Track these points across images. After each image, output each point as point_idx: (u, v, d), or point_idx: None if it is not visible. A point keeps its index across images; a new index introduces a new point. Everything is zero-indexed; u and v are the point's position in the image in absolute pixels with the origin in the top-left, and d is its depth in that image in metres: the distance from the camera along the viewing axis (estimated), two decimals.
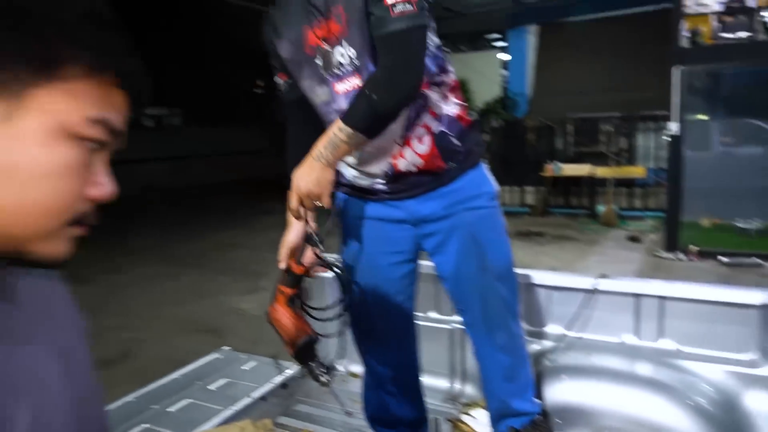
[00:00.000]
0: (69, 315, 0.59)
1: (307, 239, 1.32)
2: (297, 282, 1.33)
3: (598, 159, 8.26)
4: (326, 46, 1.28)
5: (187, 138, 15.07)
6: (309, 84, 1.35)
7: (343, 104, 1.30)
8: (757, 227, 5.24)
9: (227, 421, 1.78)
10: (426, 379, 2.02)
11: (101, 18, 0.48)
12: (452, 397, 1.96)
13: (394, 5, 1.16)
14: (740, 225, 5.30)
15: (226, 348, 2.44)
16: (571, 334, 1.81)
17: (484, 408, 1.77)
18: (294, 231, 1.37)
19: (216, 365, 2.23)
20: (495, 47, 12.67)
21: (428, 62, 1.29)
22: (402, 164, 1.36)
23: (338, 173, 1.44)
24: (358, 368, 2.19)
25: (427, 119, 1.34)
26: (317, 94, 1.35)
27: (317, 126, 1.35)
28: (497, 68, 12.25)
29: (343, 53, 1.27)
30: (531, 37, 11.37)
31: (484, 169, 1.48)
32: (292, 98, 1.41)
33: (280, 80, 1.41)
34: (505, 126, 9.70)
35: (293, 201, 1.25)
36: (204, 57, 15.00)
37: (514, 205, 8.64)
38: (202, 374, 2.15)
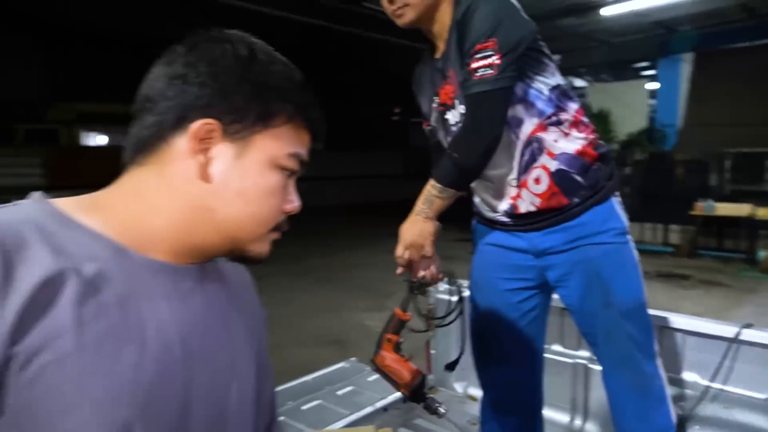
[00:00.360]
0: (255, 302, 0.76)
1: (410, 288, 1.44)
2: (401, 328, 1.45)
3: (760, 198, 7.40)
4: (447, 105, 1.42)
5: (325, 161, 16.12)
6: (441, 135, 1.50)
7: None
8: None
9: (352, 425, 1.92)
10: (546, 412, 2.02)
11: (297, 80, 0.66)
12: None
13: (476, 70, 1.25)
14: None
15: (353, 359, 2.61)
16: (706, 383, 1.70)
17: None
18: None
19: (344, 373, 2.41)
20: (642, 76, 11.99)
21: (541, 106, 1.36)
22: (521, 204, 1.43)
23: (472, 203, 1.56)
24: (477, 391, 2.23)
25: (544, 160, 1.38)
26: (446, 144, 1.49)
27: None
28: (644, 98, 11.56)
29: (454, 112, 1.40)
30: (684, 65, 10.59)
31: (615, 203, 1.45)
32: (434, 141, 1.56)
33: (425, 127, 1.58)
34: (649, 159, 9.09)
35: (399, 251, 1.39)
36: (344, 85, 15.99)
37: (656, 244, 8.03)
38: (332, 380, 2.33)
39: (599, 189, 1.41)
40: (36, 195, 0.59)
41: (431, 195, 1.34)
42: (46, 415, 0.49)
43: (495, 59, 1.23)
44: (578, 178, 1.39)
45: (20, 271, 0.50)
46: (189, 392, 0.60)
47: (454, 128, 1.42)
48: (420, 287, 1.45)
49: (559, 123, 1.39)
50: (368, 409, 2.05)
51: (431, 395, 1.44)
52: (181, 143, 0.60)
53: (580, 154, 1.39)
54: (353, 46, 12.51)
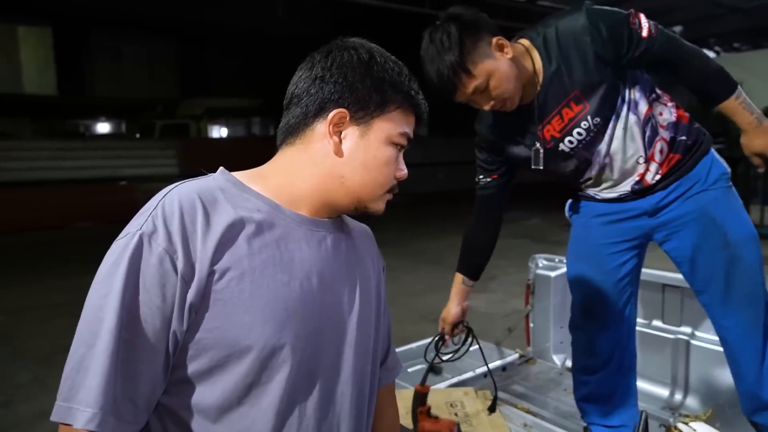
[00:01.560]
0: (375, 252, 0.98)
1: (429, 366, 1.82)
2: (426, 399, 1.74)
3: None
4: (557, 138, 1.53)
5: (432, 147, 16.24)
6: (560, 165, 1.60)
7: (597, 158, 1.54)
8: None
9: (455, 386, 2.09)
10: (645, 385, 2.06)
11: (406, 74, 0.85)
12: (671, 407, 1.95)
13: (650, 31, 1.41)
14: None
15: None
16: None
17: (704, 422, 1.75)
18: (454, 305, 1.89)
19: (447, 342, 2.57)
20: None
21: (645, 86, 1.52)
22: (648, 176, 1.55)
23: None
24: None
25: (660, 132, 1.53)
26: (562, 167, 1.60)
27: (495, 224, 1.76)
28: None
29: (571, 138, 1.51)
30: None
31: (713, 153, 1.59)
32: (488, 194, 1.73)
33: (487, 179, 1.71)
34: None
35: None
36: None
37: None
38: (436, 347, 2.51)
39: (700, 143, 1.57)
40: (221, 169, 0.85)
41: (744, 101, 1.46)
42: (233, 311, 0.74)
43: (645, 20, 1.42)
44: (685, 138, 1.55)
45: (214, 218, 0.76)
46: (322, 311, 0.82)
47: (578, 148, 1.52)
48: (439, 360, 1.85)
49: (658, 98, 1.55)
50: (469, 374, 2.20)
51: None
52: (321, 128, 0.82)
53: (678, 119, 1.56)
54: None
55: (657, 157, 1.53)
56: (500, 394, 2.10)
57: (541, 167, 1.57)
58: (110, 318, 0.69)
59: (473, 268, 1.83)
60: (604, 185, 1.61)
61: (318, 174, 0.83)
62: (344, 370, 0.84)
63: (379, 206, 0.87)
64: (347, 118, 0.81)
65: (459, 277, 1.85)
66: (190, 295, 0.71)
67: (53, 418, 0.70)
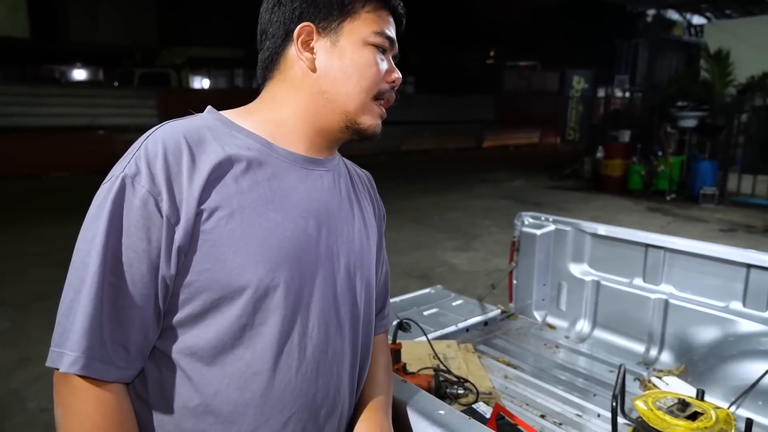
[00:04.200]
0: (375, 198, 0.97)
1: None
2: (399, 355, 1.72)
3: None
4: None
5: (417, 105, 16.08)
6: None
7: None
8: None
9: (437, 339, 2.12)
10: (623, 341, 2.12)
11: None
12: (646, 362, 2.00)
13: None
14: None
15: (439, 286, 2.81)
16: None
17: (677, 376, 1.80)
18: None
19: (430, 297, 2.60)
20: None
21: None
22: None
23: None
24: (554, 320, 2.35)
25: None
26: None
27: None
28: None
29: None
30: None
31: None
32: None
33: None
34: None
35: None
36: (438, 26, 15.62)
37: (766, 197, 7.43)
38: (419, 302, 2.53)
39: None
40: (209, 107, 0.82)
41: None
42: (223, 252, 0.71)
43: None
44: None
45: (201, 157, 0.72)
46: (318, 251, 0.79)
47: None
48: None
49: None
50: (452, 328, 2.23)
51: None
52: (292, 51, 0.80)
53: None
54: None
55: None
56: (482, 348, 2.14)
57: None
58: (94, 262, 0.68)
59: None
60: None
61: (301, 97, 0.80)
62: (342, 312, 0.83)
63: (372, 122, 0.83)
64: (314, 32, 0.79)
65: None
66: (178, 236, 0.69)
67: (47, 363, 0.69)
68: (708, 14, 12.63)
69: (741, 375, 1.71)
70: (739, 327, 1.82)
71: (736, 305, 1.86)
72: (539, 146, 18.07)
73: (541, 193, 9.40)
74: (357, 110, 0.81)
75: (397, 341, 1.77)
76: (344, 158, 0.94)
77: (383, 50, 0.82)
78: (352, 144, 0.87)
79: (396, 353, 1.72)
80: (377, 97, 0.82)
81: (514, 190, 9.52)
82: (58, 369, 0.68)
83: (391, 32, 0.83)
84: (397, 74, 0.84)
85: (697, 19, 12.92)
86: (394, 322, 1.82)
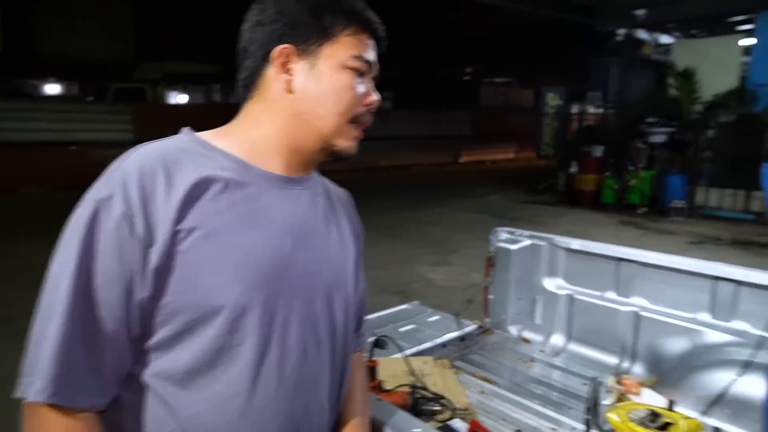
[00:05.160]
0: (353, 216, 0.97)
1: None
2: (374, 373, 1.70)
3: None
4: None
5: (395, 121, 16.19)
6: None
7: None
8: None
9: (414, 355, 2.12)
10: (597, 354, 2.15)
11: None
12: (618, 374, 2.03)
13: None
14: None
15: (416, 302, 2.81)
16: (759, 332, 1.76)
17: (649, 388, 1.83)
18: None
19: (407, 313, 2.61)
20: (737, 31, 11.10)
21: None
22: None
23: None
24: (530, 334, 2.38)
25: None
26: None
27: None
28: (736, 55, 10.72)
29: None
30: None
31: None
32: None
33: None
34: (737, 121, 8.55)
35: None
36: (416, 42, 15.82)
37: (736, 211, 7.65)
38: (395, 318, 2.54)
39: None
40: (185, 129, 0.82)
41: None
42: (199, 272, 0.71)
43: None
44: None
45: (177, 179, 0.73)
46: (296, 270, 0.80)
47: None
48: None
49: None
50: (428, 344, 2.24)
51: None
52: (270, 71, 0.81)
53: None
54: (425, 3, 12.32)
55: None
56: (458, 363, 2.15)
57: None
58: (65, 287, 0.67)
59: None
60: None
61: (278, 118, 0.81)
62: (320, 330, 0.83)
63: (347, 143, 0.84)
64: (293, 54, 0.80)
65: None
66: (153, 258, 0.69)
67: (16, 393, 0.67)
68: (676, 34, 13.03)
69: (709, 384, 1.75)
70: (706, 338, 1.87)
71: (704, 316, 1.91)
72: (515, 161, 18.34)
73: (517, 207, 9.51)
74: (332, 133, 0.82)
75: (374, 358, 1.77)
76: (323, 177, 0.95)
77: (362, 73, 0.83)
78: (328, 161, 0.88)
79: (372, 370, 1.72)
80: (354, 120, 0.83)
81: (491, 205, 9.62)
82: (25, 399, 0.66)
83: (371, 55, 0.83)
84: (375, 97, 0.85)
85: (665, 39, 13.32)
86: (370, 339, 1.82)
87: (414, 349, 2.19)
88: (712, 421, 1.70)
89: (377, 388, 1.71)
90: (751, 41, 10.28)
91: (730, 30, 11.40)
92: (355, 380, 0.98)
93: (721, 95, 9.70)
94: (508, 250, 2.38)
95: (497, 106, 21.93)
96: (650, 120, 9.18)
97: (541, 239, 2.35)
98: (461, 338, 2.38)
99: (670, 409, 1.62)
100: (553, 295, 2.31)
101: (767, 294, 1.77)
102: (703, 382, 1.79)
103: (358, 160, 12.59)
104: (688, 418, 1.54)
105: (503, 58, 18.05)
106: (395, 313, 2.62)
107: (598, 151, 9.97)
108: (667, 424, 1.47)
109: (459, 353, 2.25)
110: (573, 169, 10.13)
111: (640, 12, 11.32)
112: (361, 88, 0.83)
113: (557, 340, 2.29)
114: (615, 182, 9.44)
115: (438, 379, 1.88)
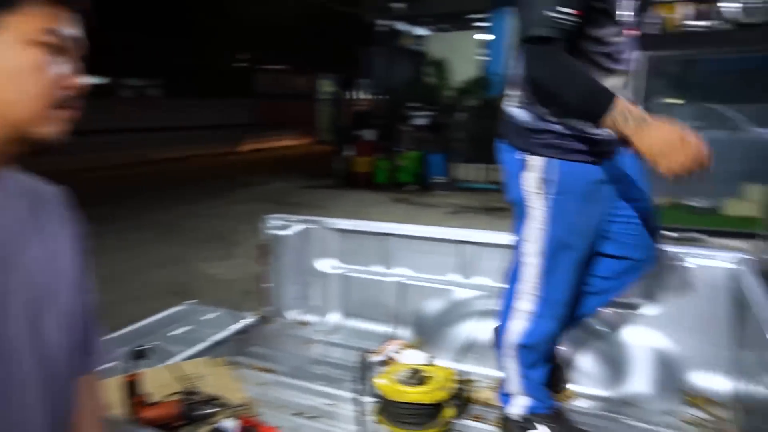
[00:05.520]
0: (66, 217, 0.80)
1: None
2: (135, 387, 1.55)
3: None
4: None
5: (168, 110, 15.00)
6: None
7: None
8: (702, 206, 5.56)
9: (189, 358, 1.97)
10: (371, 325, 2.28)
11: None
12: (388, 341, 2.19)
13: None
14: (690, 203, 5.61)
15: (193, 301, 2.63)
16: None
17: (415, 349, 2.01)
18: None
19: (180, 315, 2.43)
20: (475, 27, 12.80)
21: None
22: None
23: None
24: (308, 317, 2.41)
25: None
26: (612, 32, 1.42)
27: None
28: (475, 48, 12.40)
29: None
30: (512, 18, 11.50)
31: None
32: (567, 36, 1.36)
33: (574, 17, 1.35)
34: (483, 105, 9.89)
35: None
36: (187, 28, 14.82)
37: (481, 182, 8.91)
38: (167, 323, 2.34)
39: None
40: None
41: None
42: None
43: None
44: None
45: None
46: (7, 295, 0.65)
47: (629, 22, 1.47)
48: None
49: None
50: (202, 345, 2.11)
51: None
52: None
53: None
54: None
55: None
56: (238, 358, 2.07)
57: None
58: None
59: None
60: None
61: None
62: (22, 362, 0.68)
63: (50, 129, 0.70)
64: None
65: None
66: None
67: None
68: (430, 27, 14.47)
69: (460, 336, 1.99)
70: (457, 295, 2.11)
71: (455, 276, 2.16)
72: (297, 147, 18.54)
73: (299, 193, 9.64)
74: (25, 120, 0.67)
75: (135, 372, 1.59)
76: (26, 175, 0.77)
77: (59, 50, 0.69)
78: (31, 153, 0.72)
79: (131, 385, 1.55)
80: (57, 105, 0.69)
81: (273, 193, 9.57)
82: None
83: (69, 29, 0.70)
84: (76, 80, 0.71)
85: (422, 31, 14.70)
86: (129, 350, 1.63)
87: (188, 352, 2.05)
88: (465, 367, 1.93)
89: (140, 403, 1.55)
90: (489, 36, 11.97)
91: (470, 26, 13.09)
92: (84, 410, 0.84)
93: (468, 83, 11.12)
94: (280, 237, 2.37)
95: (277, 94, 21.84)
96: (413, 104, 10.09)
97: (311, 222, 2.39)
98: (240, 332, 2.30)
99: (430, 364, 1.80)
100: (327, 276, 2.37)
101: (501, 251, 2.06)
102: (455, 335, 2.03)
103: (121, 155, 11.38)
104: (444, 369, 1.72)
105: (278, 46, 18.00)
106: (166, 318, 2.41)
107: (370, 134, 10.63)
108: (425, 377, 1.62)
109: (237, 348, 2.17)
110: (345, 152, 10.64)
111: (398, 5, 12.30)
112: (57, 68, 0.69)
113: (334, 318, 2.36)
114: (387, 163, 10.19)
115: (213, 379, 1.78)
